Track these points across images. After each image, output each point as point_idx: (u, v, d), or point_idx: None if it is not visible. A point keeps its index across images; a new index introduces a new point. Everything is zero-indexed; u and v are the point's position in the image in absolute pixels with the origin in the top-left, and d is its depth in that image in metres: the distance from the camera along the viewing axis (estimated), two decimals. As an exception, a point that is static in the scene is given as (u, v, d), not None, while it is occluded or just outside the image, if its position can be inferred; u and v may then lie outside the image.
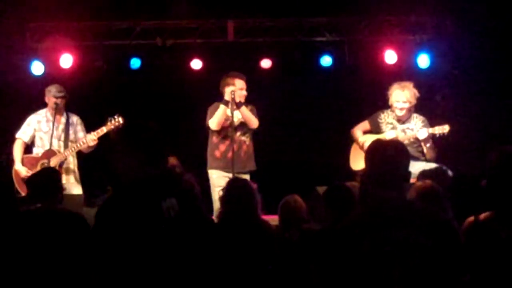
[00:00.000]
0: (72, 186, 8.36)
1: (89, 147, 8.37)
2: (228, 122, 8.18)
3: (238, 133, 8.28)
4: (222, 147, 8.26)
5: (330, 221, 5.41)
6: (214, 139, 8.35)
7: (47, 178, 5.25)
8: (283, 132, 8.28)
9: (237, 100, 8.11)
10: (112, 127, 8.26)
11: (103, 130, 8.29)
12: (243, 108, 8.19)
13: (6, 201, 5.25)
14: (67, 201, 6.81)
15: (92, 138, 8.26)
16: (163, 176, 3.67)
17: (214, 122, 8.21)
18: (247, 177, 8.14)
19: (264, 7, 10.23)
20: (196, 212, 3.70)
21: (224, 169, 8.17)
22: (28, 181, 5.55)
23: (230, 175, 7.94)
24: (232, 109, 8.08)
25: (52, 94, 8.48)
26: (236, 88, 8.18)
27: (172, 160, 7.85)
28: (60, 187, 5.28)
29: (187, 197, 3.70)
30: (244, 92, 8.27)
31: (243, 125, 8.30)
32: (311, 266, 4.92)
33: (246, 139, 8.36)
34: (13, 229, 4.86)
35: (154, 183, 3.63)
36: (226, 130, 8.23)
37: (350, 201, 5.32)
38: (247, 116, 8.21)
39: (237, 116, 8.22)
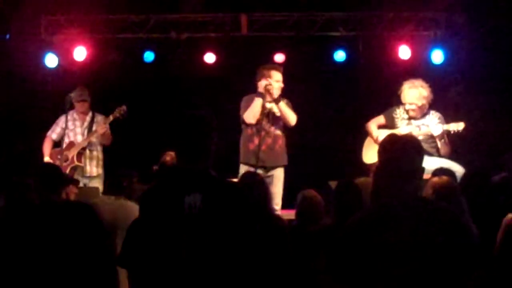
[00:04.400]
0: (93, 179, 8.92)
1: (103, 135, 8.95)
2: (263, 115, 8.07)
3: (274, 127, 8.21)
4: (256, 140, 8.05)
5: (335, 217, 5.42)
6: (248, 131, 8.21)
7: (45, 173, 5.24)
8: (296, 126, 8.24)
9: (273, 92, 8.00)
10: (118, 115, 8.92)
11: (110, 118, 8.97)
12: (282, 104, 8.09)
13: (18, 193, 5.29)
14: (82, 193, 6.94)
15: (101, 126, 8.89)
16: (197, 172, 3.66)
17: (250, 115, 8.10)
18: (281, 170, 8.22)
19: (278, 1, 10.23)
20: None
21: (256, 163, 7.97)
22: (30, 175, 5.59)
23: (261, 169, 7.99)
24: (264, 101, 8.01)
25: (73, 99, 8.93)
26: (272, 80, 8.08)
27: (172, 155, 7.76)
28: (61, 181, 5.27)
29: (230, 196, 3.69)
30: (281, 84, 8.14)
31: (278, 119, 8.20)
32: (320, 263, 4.93)
33: (281, 133, 8.28)
34: (20, 221, 4.88)
35: (187, 177, 3.64)
36: (261, 123, 8.06)
37: (356, 198, 5.32)
38: (286, 113, 8.10)
39: (273, 109, 8.16)
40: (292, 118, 8.12)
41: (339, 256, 3.52)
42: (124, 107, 8.93)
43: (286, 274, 5.19)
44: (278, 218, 5.59)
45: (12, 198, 5.22)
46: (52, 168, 5.46)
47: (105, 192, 6.50)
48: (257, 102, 8.04)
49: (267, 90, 7.98)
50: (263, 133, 8.04)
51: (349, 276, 3.43)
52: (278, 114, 8.13)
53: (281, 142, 8.26)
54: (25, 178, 5.33)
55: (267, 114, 8.06)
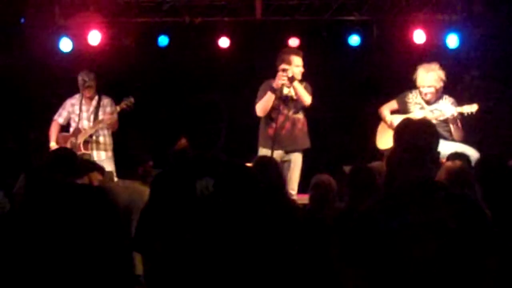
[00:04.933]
0: (103, 163, 8.63)
1: (109, 125, 9.04)
2: (280, 100, 8.04)
3: (292, 111, 8.18)
4: (275, 125, 7.99)
5: (349, 202, 5.42)
6: (267, 116, 8.19)
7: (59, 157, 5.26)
8: (310, 111, 8.23)
9: (290, 75, 7.92)
10: (124, 106, 8.92)
11: (117, 109, 8.99)
12: (296, 84, 8.02)
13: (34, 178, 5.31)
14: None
15: (107, 115, 8.97)
16: (208, 157, 3.67)
17: (259, 109, 8.13)
18: (299, 156, 8.19)
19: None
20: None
21: (275, 147, 7.92)
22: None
23: (281, 152, 8.02)
24: (282, 88, 8.00)
25: (79, 83, 9.08)
26: (292, 66, 8.00)
27: (183, 141, 7.75)
28: (74, 167, 5.29)
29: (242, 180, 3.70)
30: (301, 69, 8.10)
31: (297, 102, 8.17)
32: (332, 248, 4.92)
33: (300, 116, 8.24)
34: (37, 204, 4.90)
35: (197, 163, 3.65)
36: (279, 108, 8.01)
37: (370, 183, 5.31)
38: (300, 92, 8.03)
39: (290, 94, 8.12)
40: (306, 98, 8.07)
41: (352, 241, 3.51)
42: (131, 99, 8.92)
43: (298, 258, 5.20)
44: (291, 201, 5.60)
45: (30, 182, 5.24)
46: (69, 154, 5.46)
47: (120, 176, 6.52)
48: (268, 97, 8.03)
49: (281, 85, 7.97)
50: (281, 118, 8.03)
51: (362, 261, 3.43)
52: (295, 97, 8.12)
53: (300, 125, 8.23)
54: (41, 162, 5.36)
55: (284, 100, 8.06)
